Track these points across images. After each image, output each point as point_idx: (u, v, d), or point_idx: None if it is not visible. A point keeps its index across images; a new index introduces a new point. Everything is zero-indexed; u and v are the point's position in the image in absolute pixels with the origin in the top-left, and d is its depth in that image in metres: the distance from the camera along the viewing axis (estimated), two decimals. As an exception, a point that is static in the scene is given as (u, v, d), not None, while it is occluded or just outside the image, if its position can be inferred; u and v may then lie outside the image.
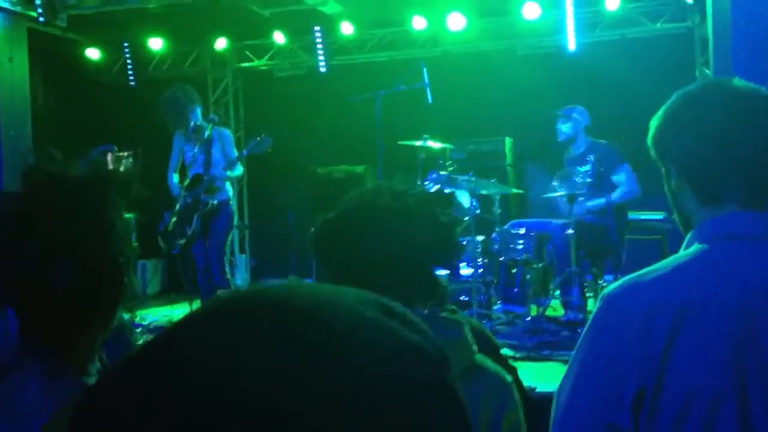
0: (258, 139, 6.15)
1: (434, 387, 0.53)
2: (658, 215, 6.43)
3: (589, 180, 5.74)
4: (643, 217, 6.46)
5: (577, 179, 5.52)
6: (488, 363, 1.73)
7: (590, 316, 1.51)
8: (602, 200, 5.71)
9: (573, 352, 1.49)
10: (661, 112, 1.57)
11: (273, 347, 0.48)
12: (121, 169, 9.19)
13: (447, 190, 6.00)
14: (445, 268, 1.67)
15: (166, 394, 0.47)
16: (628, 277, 1.47)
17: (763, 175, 1.48)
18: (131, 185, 1.30)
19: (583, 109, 6.18)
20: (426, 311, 1.68)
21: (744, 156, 1.45)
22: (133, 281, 1.30)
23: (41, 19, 7.47)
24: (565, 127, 6.13)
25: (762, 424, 1.34)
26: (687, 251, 1.47)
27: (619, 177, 5.84)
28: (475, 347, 1.70)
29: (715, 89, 1.54)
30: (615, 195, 5.81)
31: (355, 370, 0.48)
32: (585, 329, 1.48)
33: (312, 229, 1.69)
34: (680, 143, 1.51)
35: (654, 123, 1.58)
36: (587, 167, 5.92)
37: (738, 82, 1.53)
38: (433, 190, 5.57)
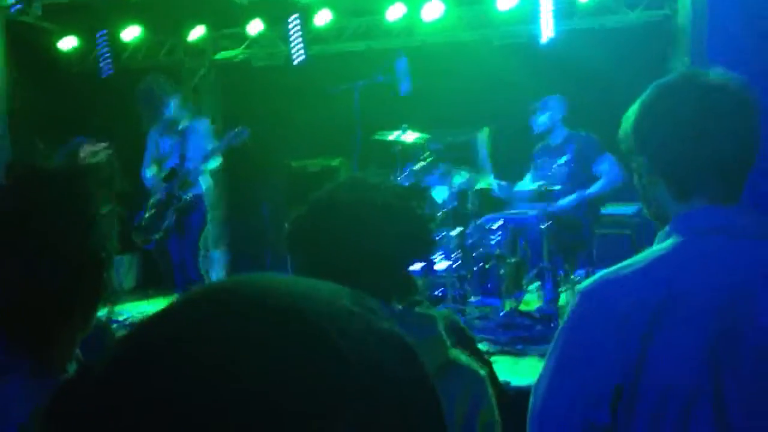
0: (236, 131, 6.09)
1: (417, 376, 0.53)
2: (629, 209, 6.45)
3: (566, 171, 5.76)
4: (612, 211, 6.48)
5: (551, 172, 5.53)
6: (462, 358, 1.73)
7: (565, 312, 1.51)
8: (573, 196, 5.74)
9: (549, 348, 1.49)
10: (635, 105, 1.57)
11: (254, 343, 0.47)
12: (97, 161, 9.15)
13: (424, 184, 6.00)
14: (420, 262, 1.66)
15: (138, 390, 0.46)
16: (603, 272, 1.48)
17: (734, 168, 1.47)
18: (113, 178, 1.30)
19: (559, 98, 6.17)
20: (400, 307, 1.67)
21: (716, 150, 1.45)
22: (112, 277, 1.28)
23: (18, 6, 7.36)
24: (542, 118, 6.13)
25: (737, 419, 1.35)
26: (662, 245, 1.47)
27: (602, 167, 5.85)
28: (448, 343, 1.70)
29: (690, 81, 1.53)
30: (597, 186, 5.81)
31: (344, 362, 0.48)
32: (561, 325, 1.48)
33: (286, 224, 1.68)
34: (655, 135, 1.50)
35: (628, 116, 1.57)
36: (565, 158, 5.92)
37: (713, 73, 1.51)
38: (407, 183, 5.58)
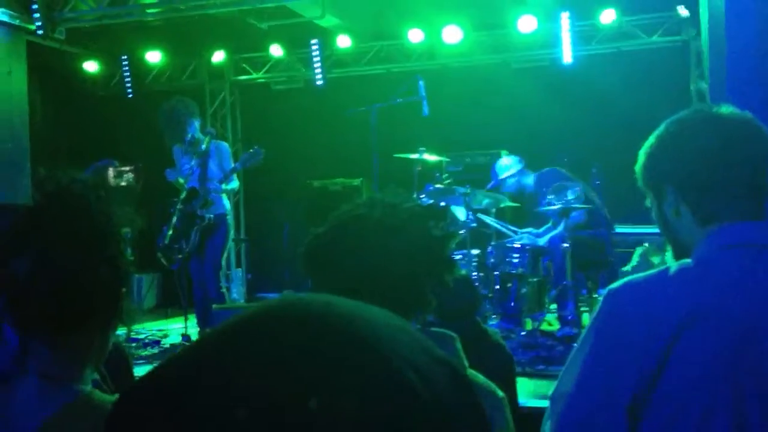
0: (251, 151, 6.16)
1: (471, 402, 0.56)
2: (643, 229, 6.45)
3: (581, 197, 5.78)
4: (625, 230, 6.51)
5: (570, 195, 5.54)
6: (479, 378, 1.74)
7: (593, 313, 1.53)
8: (548, 236, 5.82)
9: (573, 350, 1.50)
10: (652, 140, 1.60)
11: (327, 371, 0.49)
12: (123, 183, 9.25)
13: (442, 204, 6.02)
14: (438, 281, 1.66)
15: (190, 410, 0.47)
16: (632, 276, 1.50)
17: (758, 190, 1.51)
18: (133, 199, 1.36)
19: (503, 159, 6.39)
20: (417, 327, 1.68)
21: (742, 174, 1.49)
22: (131, 295, 1.33)
23: (40, 32, 7.50)
24: (510, 181, 6.30)
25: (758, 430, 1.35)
26: (688, 260, 1.49)
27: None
28: (466, 362, 1.71)
29: (705, 116, 1.58)
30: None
31: (419, 399, 0.49)
32: (588, 326, 1.50)
33: (303, 244, 1.69)
34: (680, 164, 1.53)
35: (645, 150, 1.60)
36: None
37: (726, 109, 1.57)
38: (427, 203, 5.61)
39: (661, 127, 1.60)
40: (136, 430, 0.49)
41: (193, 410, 0.47)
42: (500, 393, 1.75)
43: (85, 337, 1.26)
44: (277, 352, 0.50)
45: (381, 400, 0.48)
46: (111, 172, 8.95)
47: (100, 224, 1.25)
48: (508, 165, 6.42)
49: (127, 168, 8.76)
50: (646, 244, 5.97)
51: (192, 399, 0.48)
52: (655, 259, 5.54)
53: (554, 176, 6.02)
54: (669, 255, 1.70)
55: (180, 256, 5.99)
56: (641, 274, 1.49)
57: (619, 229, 6.33)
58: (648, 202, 1.63)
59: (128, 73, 9.36)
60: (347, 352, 0.50)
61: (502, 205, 6.54)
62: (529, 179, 6.34)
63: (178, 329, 6.62)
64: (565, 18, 7.83)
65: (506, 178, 6.38)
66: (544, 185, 5.97)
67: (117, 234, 1.28)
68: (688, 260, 1.49)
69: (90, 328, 1.27)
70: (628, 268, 5.80)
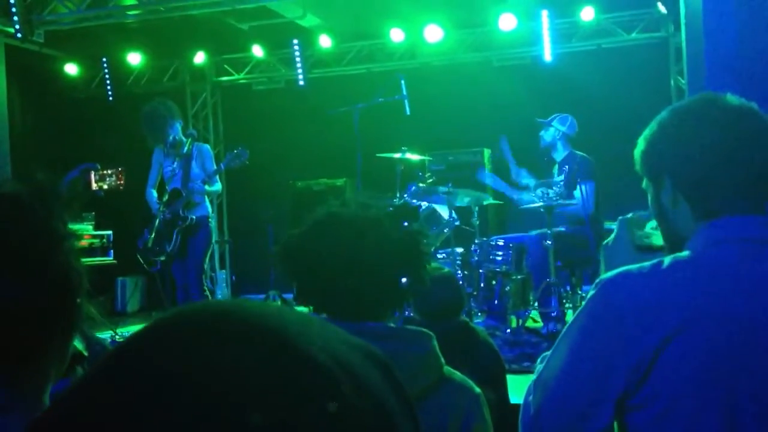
0: (235, 152, 6.14)
1: (396, 388, 0.54)
2: None
3: (562, 191, 5.79)
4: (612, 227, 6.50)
5: (551, 190, 5.56)
6: (456, 375, 1.75)
7: (580, 306, 1.50)
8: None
9: (558, 338, 1.48)
10: (654, 126, 1.55)
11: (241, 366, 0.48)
12: (105, 187, 9.13)
13: (425, 203, 6.03)
14: (413, 277, 1.68)
15: (120, 412, 0.46)
16: (624, 267, 1.46)
17: (760, 187, 1.48)
18: (75, 199, 1.23)
19: (565, 117, 6.23)
20: (393, 325, 1.69)
21: (743, 170, 1.46)
22: (87, 304, 1.16)
23: (19, 35, 7.43)
24: (546, 135, 6.21)
25: (751, 428, 1.34)
26: (683, 253, 1.46)
27: (578, 192, 5.90)
28: (442, 360, 1.72)
29: (711, 105, 1.53)
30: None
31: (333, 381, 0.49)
32: (577, 313, 1.47)
33: (277, 245, 1.71)
34: (681, 158, 1.50)
35: (646, 137, 1.56)
36: (562, 177, 5.97)
37: (731, 98, 1.52)
38: (399, 203, 5.63)
39: (664, 115, 1.56)
40: None
41: (120, 414, 0.47)
42: (477, 389, 1.76)
43: (43, 360, 1.11)
44: (201, 357, 0.49)
45: (307, 397, 0.47)
46: (93, 175, 8.90)
47: (47, 228, 1.09)
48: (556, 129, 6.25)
49: (110, 171, 8.69)
50: (630, 214, 5.94)
51: (117, 404, 0.47)
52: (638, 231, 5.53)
53: (582, 162, 5.98)
54: (650, 225, 1.68)
55: (162, 258, 5.97)
56: (635, 266, 1.46)
57: (609, 225, 6.34)
58: (644, 185, 1.60)
59: (109, 76, 9.30)
60: (264, 350, 0.50)
61: (485, 203, 6.55)
62: (563, 152, 6.26)
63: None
64: (545, 16, 7.88)
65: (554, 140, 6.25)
66: (568, 163, 5.97)
67: (67, 236, 1.12)
68: (684, 253, 1.47)
69: (47, 351, 1.11)
70: (609, 241, 5.79)
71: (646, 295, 1.40)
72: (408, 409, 0.55)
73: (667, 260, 1.45)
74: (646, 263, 1.46)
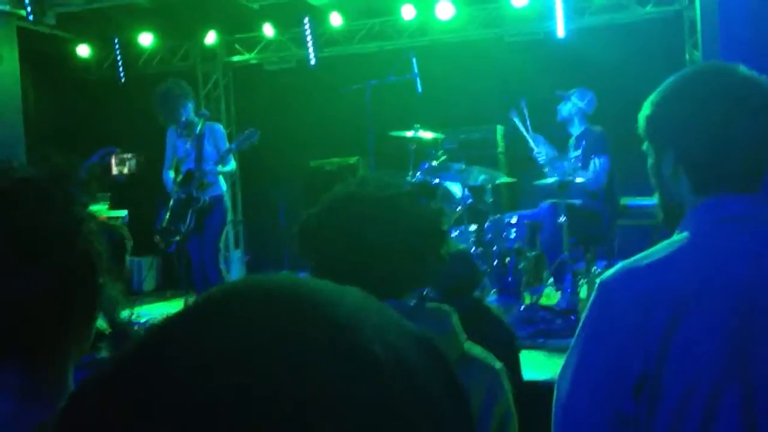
0: (246, 133, 6.17)
1: (447, 377, 0.54)
2: (650, 200, 6.43)
3: (579, 165, 5.79)
4: (636, 203, 6.47)
5: (566, 164, 5.55)
6: (476, 351, 1.75)
7: (586, 304, 1.51)
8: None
9: (572, 341, 1.49)
10: (659, 93, 1.54)
11: (286, 347, 0.47)
12: (125, 171, 9.13)
13: (437, 181, 6.03)
14: (432, 255, 1.68)
15: (155, 396, 0.46)
16: (623, 263, 1.47)
17: (758, 163, 1.47)
18: (92, 182, 1.22)
19: (584, 93, 6.21)
20: (413, 303, 1.69)
21: (742, 142, 1.45)
22: (110, 285, 1.17)
23: (30, 17, 7.45)
24: (564, 109, 6.21)
25: (763, 404, 1.34)
26: (681, 236, 1.46)
27: (593, 165, 5.89)
28: (463, 336, 1.72)
29: (718, 73, 1.52)
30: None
31: (384, 376, 0.48)
32: (583, 317, 1.48)
33: (296, 224, 1.69)
34: (682, 126, 1.48)
35: (651, 103, 1.54)
36: (579, 152, 5.96)
37: (742, 68, 1.50)
38: (417, 181, 5.61)
39: (671, 81, 1.53)
40: (95, 425, 0.46)
41: (158, 400, 0.46)
42: (498, 364, 1.76)
43: (64, 345, 1.11)
44: (243, 336, 0.48)
45: (350, 378, 0.47)
46: (113, 159, 8.96)
47: (66, 214, 1.09)
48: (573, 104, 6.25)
49: (130, 155, 8.75)
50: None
51: (156, 389, 0.46)
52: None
53: (596, 136, 5.94)
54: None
55: (177, 238, 6.01)
56: (632, 259, 1.46)
57: (628, 201, 6.32)
58: (645, 147, 1.59)
59: (120, 57, 9.31)
60: (316, 332, 0.48)
61: (498, 182, 6.54)
62: (579, 127, 6.24)
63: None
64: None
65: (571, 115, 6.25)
66: (585, 138, 5.92)
67: (87, 220, 1.12)
68: (681, 235, 1.47)
69: (68, 335, 1.11)
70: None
71: (644, 282, 1.41)
72: (459, 400, 0.54)
73: (661, 246, 1.46)
74: (643, 253, 1.47)
